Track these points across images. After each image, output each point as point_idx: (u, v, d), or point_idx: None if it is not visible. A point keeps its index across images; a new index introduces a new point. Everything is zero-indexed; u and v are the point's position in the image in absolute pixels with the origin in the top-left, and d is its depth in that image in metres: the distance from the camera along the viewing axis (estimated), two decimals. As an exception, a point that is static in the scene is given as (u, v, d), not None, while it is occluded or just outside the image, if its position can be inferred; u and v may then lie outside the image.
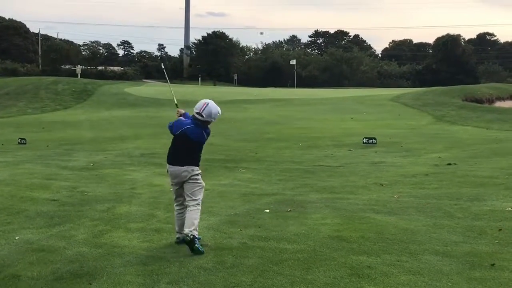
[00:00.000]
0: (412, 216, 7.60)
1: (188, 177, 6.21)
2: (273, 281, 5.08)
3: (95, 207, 8.34)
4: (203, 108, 6.15)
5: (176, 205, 6.39)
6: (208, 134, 6.33)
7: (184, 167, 6.20)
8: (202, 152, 6.39)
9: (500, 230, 6.72)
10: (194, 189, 6.22)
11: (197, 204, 6.18)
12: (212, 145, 16.58)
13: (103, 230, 6.96)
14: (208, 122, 6.25)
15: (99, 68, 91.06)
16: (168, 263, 5.63)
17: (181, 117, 6.41)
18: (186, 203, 6.23)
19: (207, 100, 6.31)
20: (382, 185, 10.25)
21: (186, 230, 5.96)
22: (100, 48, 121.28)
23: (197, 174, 6.26)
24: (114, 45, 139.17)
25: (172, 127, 6.33)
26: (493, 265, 5.44)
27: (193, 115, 6.24)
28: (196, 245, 5.91)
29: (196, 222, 6.05)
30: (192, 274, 5.29)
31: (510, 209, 7.87)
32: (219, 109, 6.28)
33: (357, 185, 10.38)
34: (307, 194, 9.46)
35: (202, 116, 6.15)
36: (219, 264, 5.58)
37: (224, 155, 14.79)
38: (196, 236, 6.00)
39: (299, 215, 7.73)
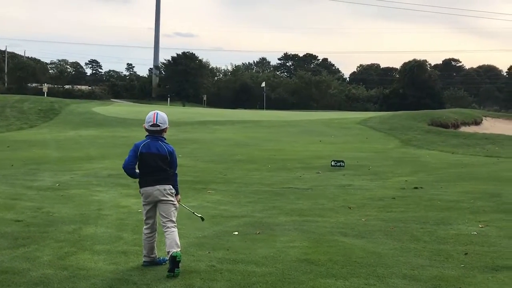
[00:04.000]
0: (379, 239, 7.66)
1: (162, 196, 6.14)
2: (242, 305, 5.05)
3: (61, 228, 8.19)
4: (155, 117, 6.20)
5: (146, 228, 6.29)
6: (171, 148, 6.27)
7: (157, 186, 6.14)
8: (176, 170, 6.32)
9: (466, 254, 6.81)
10: (171, 209, 6.16)
11: (175, 226, 6.13)
12: (181, 166, 16.44)
13: (69, 252, 6.83)
14: (164, 130, 6.25)
15: (67, 87, 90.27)
16: (135, 286, 5.55)
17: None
18: (163, 224, 6.12)
19: (152, 111, 6.39)
20: (350, 208, 10.32)
21: (176, 249, 5.90)
22: (68, 66, 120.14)
23: (171, 194, 6.19)
24: (82, 63, 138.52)
25: (128, 161, 6.33)
26: (459, 289, 5.50)
27: (147, 133, 6.29)
28: (178, 261, 5.87)
29: (179, 242, 6.04)
30: (159, 298, 5.22)
31: (475, 233, 7.99)
32: (164, 115, 6.31)
33: (326, 207, 10.42)
34: (276, 216, 9.46)
35: (159, 126, 6.19)
36: (187, 287, 5.52)
37: (193, 176, 14.72)
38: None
39: (268, 237, 7.72)
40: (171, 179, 6.27)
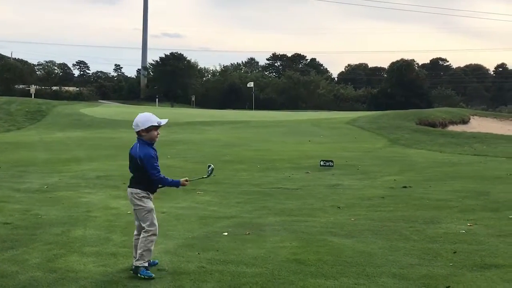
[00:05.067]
0: (368, 238, 7.69)
1: (132, 200, 6.10)
2: (232, 306, 5.05)
3: (49, 230, 8.15)
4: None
5: (135, 230, 6.25)
6: (142, 154, 5.96)
7: (129, 189, 6.15)
8: (154, 175, 6.01)
9: (455, 252, 6.84)
10: (142, 214, 6.04)
11: (145, 231, 5.98)
12: (170, 167, 16.45)
13: (58, 254, 6.80)
14: (139, 133, 6.04)
15: (54, 88, 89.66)
16: (124, 288, 5.53)
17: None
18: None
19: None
20: (339, 207, 10.34)
21: (133, 261, 6.01)
22: (55, 68, 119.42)
23: (139, 199, 6.03)
24: (70, 65, 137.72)
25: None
26: (448, 287, 5.53)
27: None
28: (140, 274, 5.85)
29: (145, 253, 5.91)
30: (149, 299, 5.21)
31: (464, 231, 8.04)
32: (139, 117, 6.09)
33: (315, 207, 10.44)
34: (266, 216, 9.46)
35: (133, 128, 6.14)
36: (177, 288, 5.52)
37: (182, 177, 14.65)
38: (144, 265, 5.93)
39: (257, 238, 7.72)
40: (143, 183, 6.04)
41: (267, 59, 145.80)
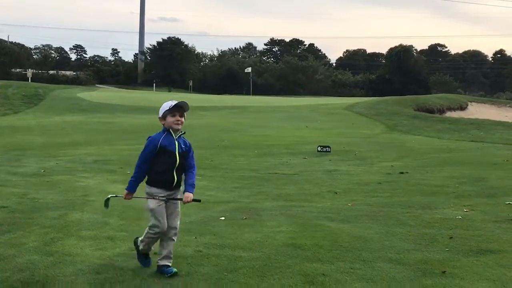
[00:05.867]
0: (365, 224, 7.70)
1: None
2: (228, 289, 5.06)
3: (46, 214, 8.15)
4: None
5: None
6: (150, 140, 5.50)
7: None
8: (158, 163, 5.43)
9: (451, 238, 6.87)
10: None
11: (147, 227, 5.59)
12: (167, 152, 16.44)
13: (55, 237, 6.80)
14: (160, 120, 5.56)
15: (51, 72, 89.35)
16: (121, 271, 5.54)
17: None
18: None
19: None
20: (336, 193, 10.36)
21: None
22: (52, 52, 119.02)
23: (146, 194, 5.55)
24: (67, 49, 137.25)
25: None
26: (444, 272, 5.55)
27: None
28: (137, 254, 5.72)
29: (144, 241, 5.57)
30: (146, 283, 5.22)
31: (460, 217, 8.06)
32: (164, 104, 5.54)
33: (312, 193, 10.46)
34: (263, 201, 9.48)
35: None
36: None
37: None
38: (139, 247, 5.66)
39: (254, 222, 7.74)
40: (148, 176, 5.53)
41: (265, 44, 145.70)
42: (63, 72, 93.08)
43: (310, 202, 9.48)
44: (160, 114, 5.52)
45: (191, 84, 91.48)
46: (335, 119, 32.74)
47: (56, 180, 11.63)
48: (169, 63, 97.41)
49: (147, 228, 5.54)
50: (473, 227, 7.47)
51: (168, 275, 5.36)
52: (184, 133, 5.71)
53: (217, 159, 15.87)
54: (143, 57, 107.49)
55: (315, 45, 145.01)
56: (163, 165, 5.42)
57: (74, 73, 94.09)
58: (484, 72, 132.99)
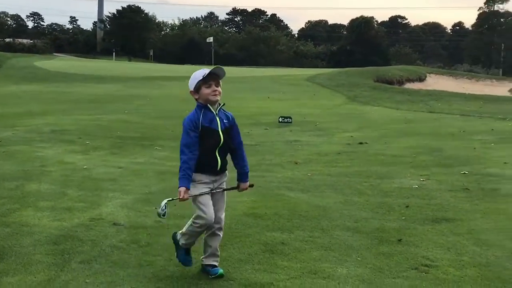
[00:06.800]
0: (324, 193, 7.81)
1: None
2: (188, 259, 5.07)
3: (3, 185, 7.99)
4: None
5: None
6: (184, 120, 4.90)
7: None
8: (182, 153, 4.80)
9: (407, 206, 7.02)
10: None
11: (189, 222, 4.88)
12: (127, 122, 16.30)
13: (11, 208, 6.69)
14: (194, 98, 4.84)
15: (7, 40, 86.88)
16: (80, 242, 5.50)
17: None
18: None
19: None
20: (296, 163, 10.45)
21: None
22: (8, 19, 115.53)
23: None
24: (23, 16, 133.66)
25: None
26: (400, 240, 5.69)
27: None
28: (177, 250, 4.93)
29: (186, 234, 4.85)
30: (105, 253, 5.20)
31: (416, 186, 8.24)
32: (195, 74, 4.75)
33: (273, 163, 10.52)
34: (223, 172, 9.47)
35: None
36: (133, 243, 5.52)
37: (140, 133, 14.54)
38: (178, 242, 4.90)
39: (214, 193, 7.73)
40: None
41: (227, 14, 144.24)
42: (19, 40, 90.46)
43: (271, 172, 9.54)
44: (192, 87, 4.71)
45: (151, 53, 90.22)
46: (296, 90, 32.79)
47: (13, 150, 11.39)
48: (129, 32, 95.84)
49: (190, 220, 4.81)
50: (429, 196, 7.65)
51: (213, 276, 4.68)
52: (224, 104, 4.94)
53: (179, 129, 15.67)
54: (102, 25, 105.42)
55: (278, 16, 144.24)
56: (203, 147, 4.75)
57: (31, 41, 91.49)
58: (443, 44, 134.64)
